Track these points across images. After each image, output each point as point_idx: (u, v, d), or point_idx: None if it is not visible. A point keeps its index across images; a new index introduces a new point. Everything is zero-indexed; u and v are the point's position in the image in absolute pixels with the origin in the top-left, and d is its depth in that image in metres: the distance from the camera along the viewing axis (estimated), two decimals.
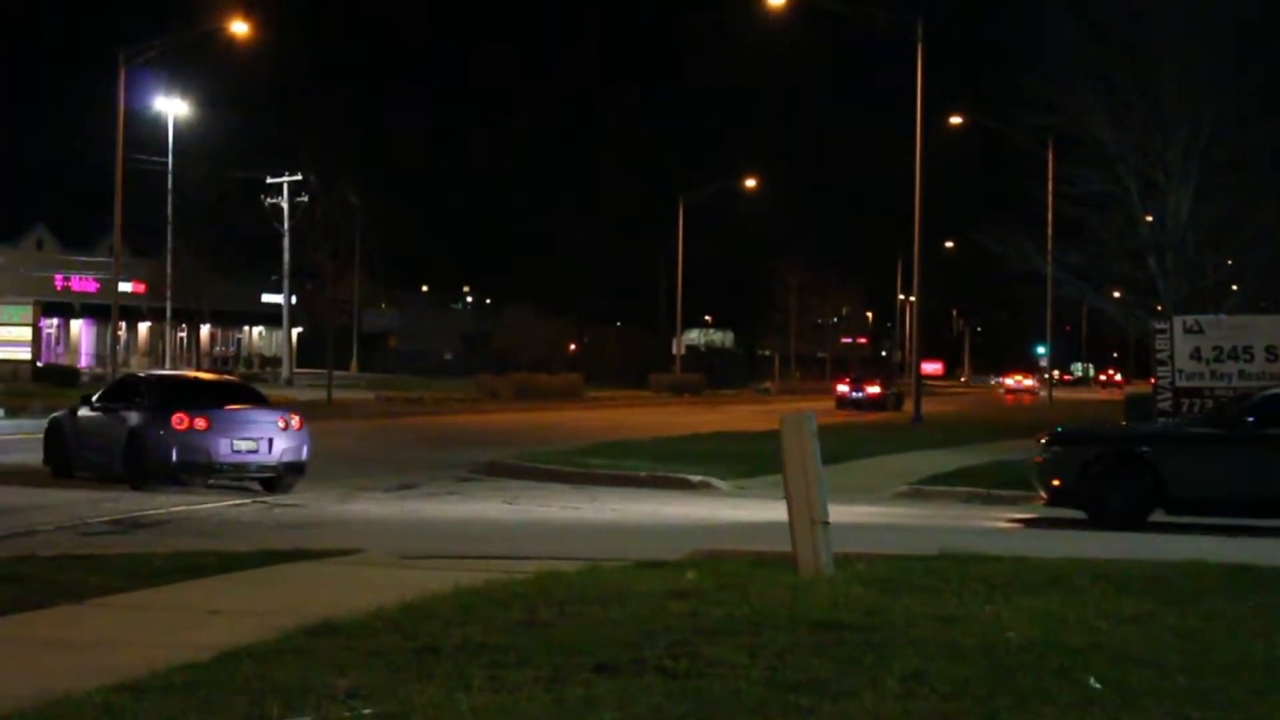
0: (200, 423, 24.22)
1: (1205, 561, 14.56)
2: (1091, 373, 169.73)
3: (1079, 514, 20.90)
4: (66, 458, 26.32)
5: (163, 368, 75.66)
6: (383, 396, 70.45)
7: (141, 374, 31.56)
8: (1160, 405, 28.60)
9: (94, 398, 27.25)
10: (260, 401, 26.66)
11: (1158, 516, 20.85)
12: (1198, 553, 15.39)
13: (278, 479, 24.71)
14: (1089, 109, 34.72)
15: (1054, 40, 35.37)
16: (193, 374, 36.94)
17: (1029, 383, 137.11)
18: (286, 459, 24.69)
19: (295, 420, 25.25)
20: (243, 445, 24.38)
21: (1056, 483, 21.24)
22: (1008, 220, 38.41)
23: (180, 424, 24.12)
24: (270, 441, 24.55)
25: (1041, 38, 36.10)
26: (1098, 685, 9.04)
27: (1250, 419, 21.33)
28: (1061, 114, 35.46)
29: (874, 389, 74.17)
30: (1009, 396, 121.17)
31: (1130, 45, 34.36)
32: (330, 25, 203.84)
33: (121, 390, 27.30)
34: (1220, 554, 15.43)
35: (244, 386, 29.11)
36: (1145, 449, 21.34)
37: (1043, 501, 21.64)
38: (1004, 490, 24.65)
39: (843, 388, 76.51)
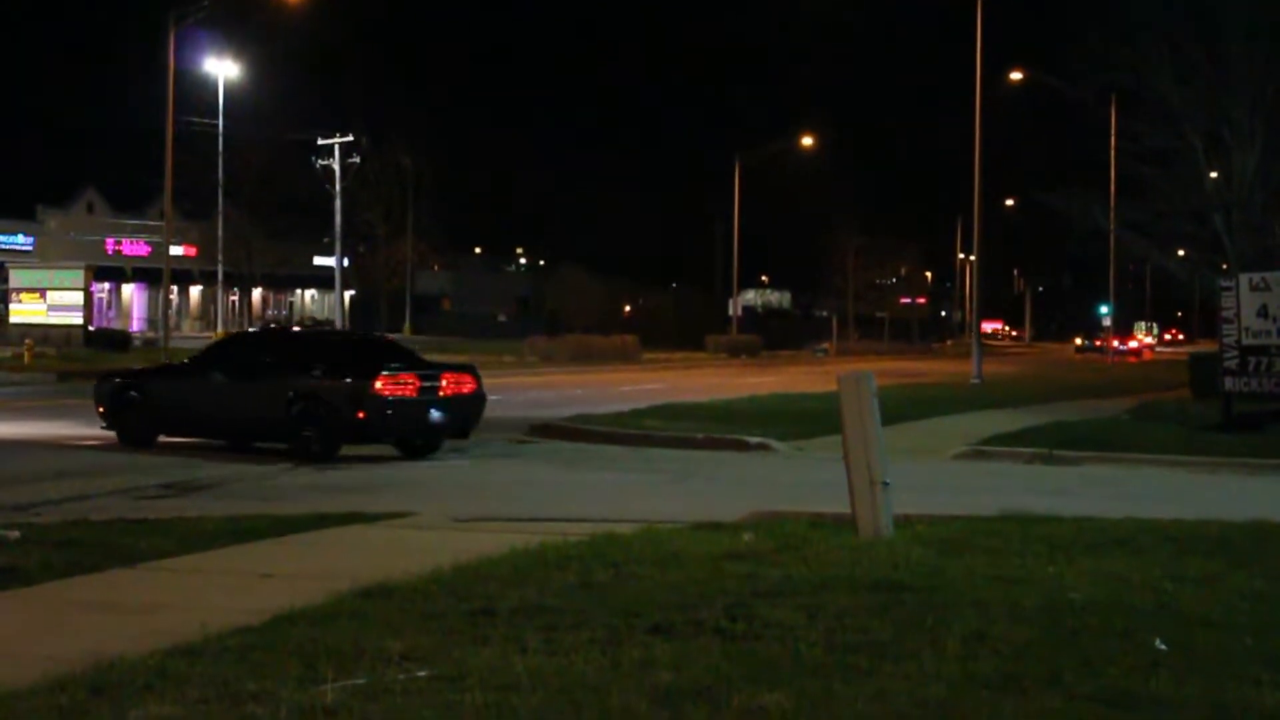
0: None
1: (1271, 521, 14.37)
2: (1156, 332, 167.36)
3: None
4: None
5: (214, 331, 75.81)
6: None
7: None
8: (1226, 364, 28.29)
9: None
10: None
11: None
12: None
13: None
14: (1153, 65, 34.27)
15: None
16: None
17: (1144, 341, 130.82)
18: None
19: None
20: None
21: (101, 410, 25.86)
22: (1070, 178, 38.13)
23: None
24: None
25: None
26: (1163, 646, 8.90)
27: (196, 360, 26.65)
28: (1124, 71, 35.00)
29: None
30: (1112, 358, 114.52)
31: (1196, 2, 33.91)
32: None
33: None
34: None
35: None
36: (140, 384, 25.89)
37: (103, 425, 25.79)
38: (1066, 450, 24.39)
39: None
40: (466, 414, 24.86)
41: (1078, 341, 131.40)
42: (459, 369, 25.80)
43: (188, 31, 57.84)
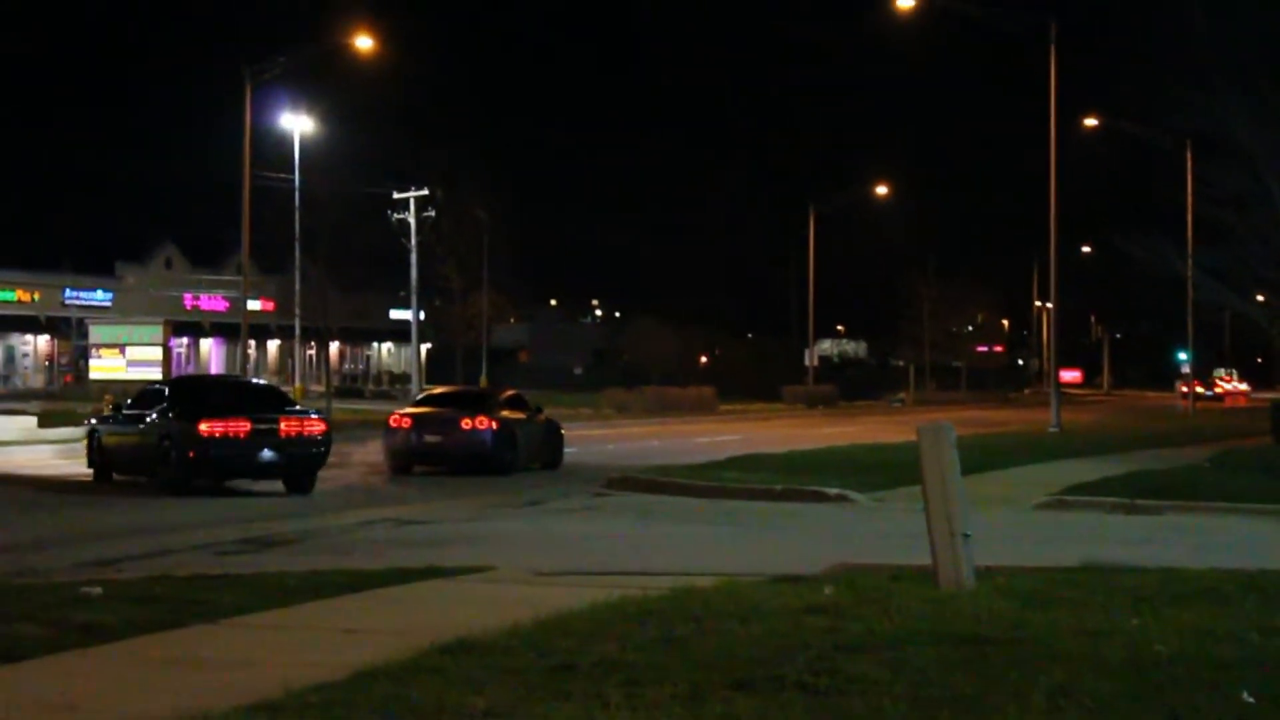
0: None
1: None
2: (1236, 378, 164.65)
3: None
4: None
5: (291, 385, 76.46)
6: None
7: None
8: None
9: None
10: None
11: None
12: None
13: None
14: (1228, 109, 34.02)
15: (1191, 39, 34.70)
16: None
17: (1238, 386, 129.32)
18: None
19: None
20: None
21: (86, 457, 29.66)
22: (1145, 222, 37.89)
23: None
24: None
25: (1178, 37, 35.45)
26: (1251, 700, 8.79)
27: (128, 405, 29.58)
28: (1199, 114, 34.75)
29: None
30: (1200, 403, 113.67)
31: (1271, 42, 33.64)
32: (457, 39, 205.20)
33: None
34: None
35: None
36: (96, 428, 29.69)
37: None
38: (1147, 500, 24.16)
39: None
40: (308, 453, 27.34)
41: (1199, 389, 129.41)
42: (303, 414, 28.54)
43: (264, 88, 58.35)
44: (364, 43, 56.79)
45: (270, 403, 28.83)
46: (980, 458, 31.01)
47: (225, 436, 26.32)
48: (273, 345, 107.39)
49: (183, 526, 20.98)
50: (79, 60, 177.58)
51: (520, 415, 34.46)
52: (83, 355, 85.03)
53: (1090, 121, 70.84)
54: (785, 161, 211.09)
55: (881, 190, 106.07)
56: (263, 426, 26.70)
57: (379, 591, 13.74)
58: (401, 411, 35.03)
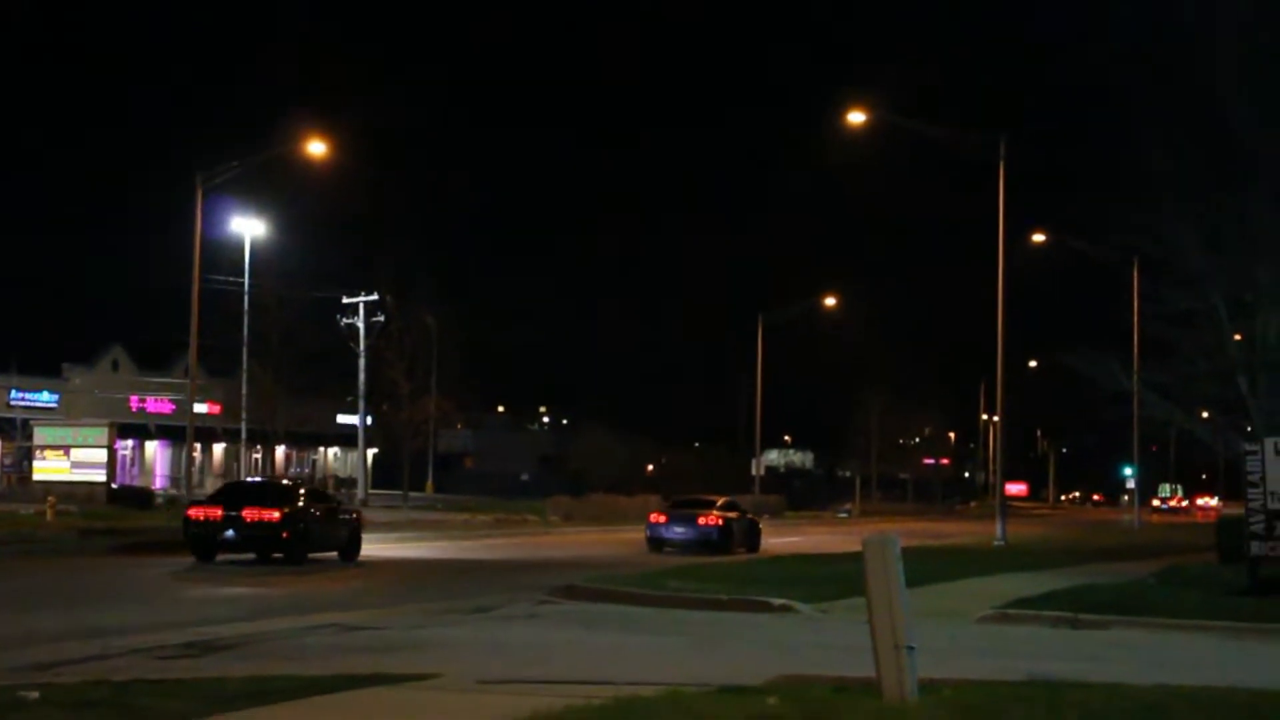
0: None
1: None
2: (1182, 494, 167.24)
3: None
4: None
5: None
6: (471, 519, 70.31)
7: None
8: (1252, 528, 28.10)
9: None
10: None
11: None
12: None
13: None
14: (1177, 230, 34.38)
15: (1141, 161, 35.09)
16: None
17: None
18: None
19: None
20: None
21: None
22: (1093, 339, 38.08)
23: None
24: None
25: (1128, 159, 35.85)
26: None
27: None
28: (1148, 234, 35.11)
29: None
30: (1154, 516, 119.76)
31: (1219, 166, 34.03)
32: (408, 147, 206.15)
33: None
34: None
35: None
36: None
37: None
38: (1092, 614, 24.18)
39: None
40: (265, 535, 36.19)
41: (1155, 502, 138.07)
42: (266, 506, 36.50)
43: (215, 191, 58.32)
44: (316, 148, 56.86)
45: (264, 498, 37.72)
46: (926, 570, 30.99)
47: (204, 520, 36.44)
48: (219, 449, 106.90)
49: (124, 630, 20.76)
50: (28, 162, 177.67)
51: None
52: (26, 456, 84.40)
53: (1039, 238, 71.45)
54: (736, 273, 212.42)
55: (831, 302, 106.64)
56: (231, 513, 36.19)
57: (324, 698, 13.62)
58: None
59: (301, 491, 39.33)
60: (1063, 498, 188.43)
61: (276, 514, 36.35)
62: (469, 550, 46.86)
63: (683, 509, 50.35)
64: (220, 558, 36.55)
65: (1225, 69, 33.73)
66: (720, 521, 48.42)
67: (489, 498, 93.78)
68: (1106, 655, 19.34)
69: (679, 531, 48.31)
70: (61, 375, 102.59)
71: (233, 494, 38.62)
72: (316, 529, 37.88)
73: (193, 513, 37.29)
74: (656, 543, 48.29)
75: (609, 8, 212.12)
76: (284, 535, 36.36)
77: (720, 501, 50.92)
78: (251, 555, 36.57)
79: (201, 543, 36.57)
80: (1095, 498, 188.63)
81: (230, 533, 36.11)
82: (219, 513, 36.42)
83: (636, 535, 52.91)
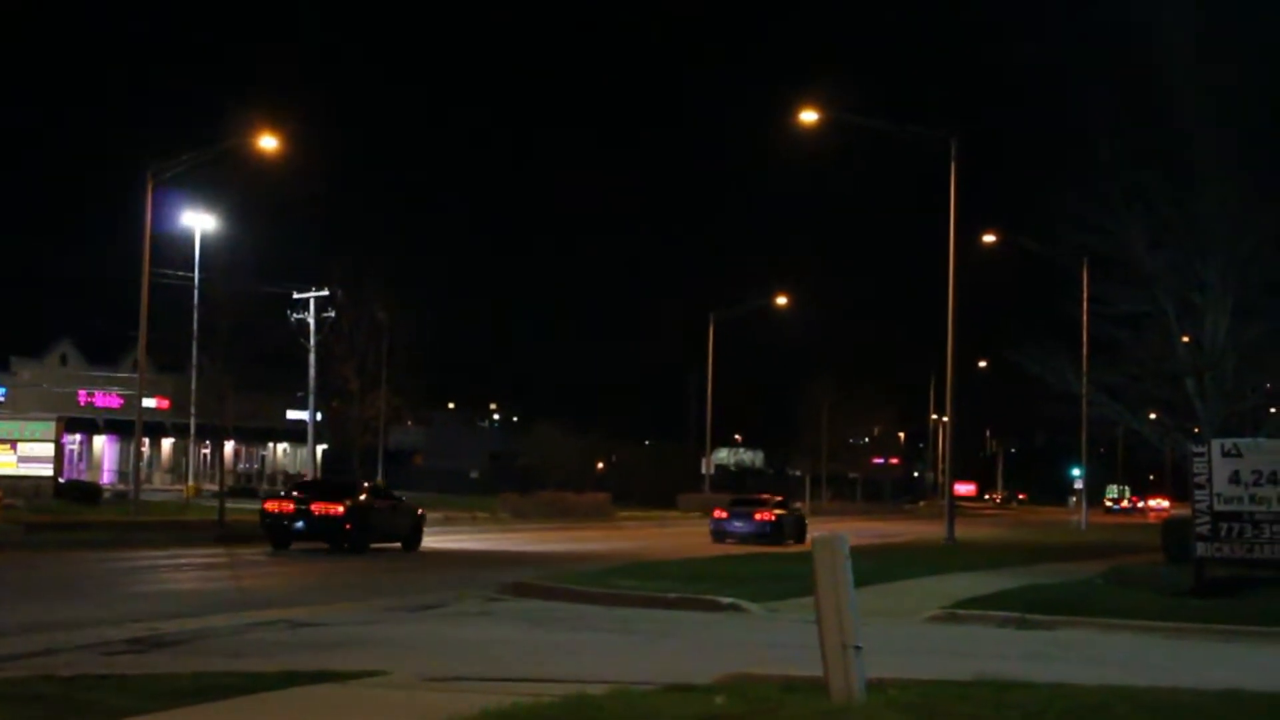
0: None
1: (1243, 690, 14.31)
2: (1129, 495, 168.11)
3: None
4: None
5: (185, 484, 75.79)
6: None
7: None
8: (1199, 529, 28.25)
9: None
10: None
11: None
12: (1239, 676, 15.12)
13: None
14: (1126, 228, 34.47)
15: (1091, 159, 35.16)
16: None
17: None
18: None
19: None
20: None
21: None
22: (1043, 340, 38.11)
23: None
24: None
25: (1079, 157, 35.93)
26: None
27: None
28: (1098, 233, 35.16)
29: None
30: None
31: (1170, 165, 34.13)
32: (363, 141, 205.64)
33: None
34: (1261, 681, 15.16)
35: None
36: None
37: None
38: (1039, 614, 24.29)
39: None
40: (331, 527, 40.73)
41: (1107, 503, 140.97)
42: (331, 501, 41.24)
43: (165, 186, 58.01)
44: (268, 142, 56.64)
45: (343, 492, 42.93)
46: (874, 569, 31.07)
47: (277, 512, 41.71)
48: (167, 444, 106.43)
49: (71, 625, 20.66)
50: None
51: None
52: None
53: (989, 237, 71.71)
54: (688, 270, 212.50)
55: (782, 301, 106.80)
56: (301, 506, 41.56)
57: (269, 695, 13.58)
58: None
59: (365, 487, 45.37)
60: (1020, 496, 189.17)
61: (340, 508, 41.26)
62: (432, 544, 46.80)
63: (741, 506, 57.41)
64: (294, 546, 41.39)
65: (1172, 66, 33.90)
66: (773, 517, 55.48)
67: (438, 494, 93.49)
68: (1053, 655, 19.43)
69: (738, 526, 54.96)
70: (9, 369, 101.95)
71: (304, 489, 44.41)
72: (378, 521, 42.70)
73: (269, 505, 42.86)
74: (720, 534, 54.96)
75: (558, 6, 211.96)
76: (347, 526, 41.05)
77: (773, 500, 58.60)
78: (321, 544, 41.42)
79: (276, 532, 41.51)
80: (1020, 496, 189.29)
81: (300, 524, 41.10)
82: (291, 506, 41.74)
83: (587, 534, 52.96)
